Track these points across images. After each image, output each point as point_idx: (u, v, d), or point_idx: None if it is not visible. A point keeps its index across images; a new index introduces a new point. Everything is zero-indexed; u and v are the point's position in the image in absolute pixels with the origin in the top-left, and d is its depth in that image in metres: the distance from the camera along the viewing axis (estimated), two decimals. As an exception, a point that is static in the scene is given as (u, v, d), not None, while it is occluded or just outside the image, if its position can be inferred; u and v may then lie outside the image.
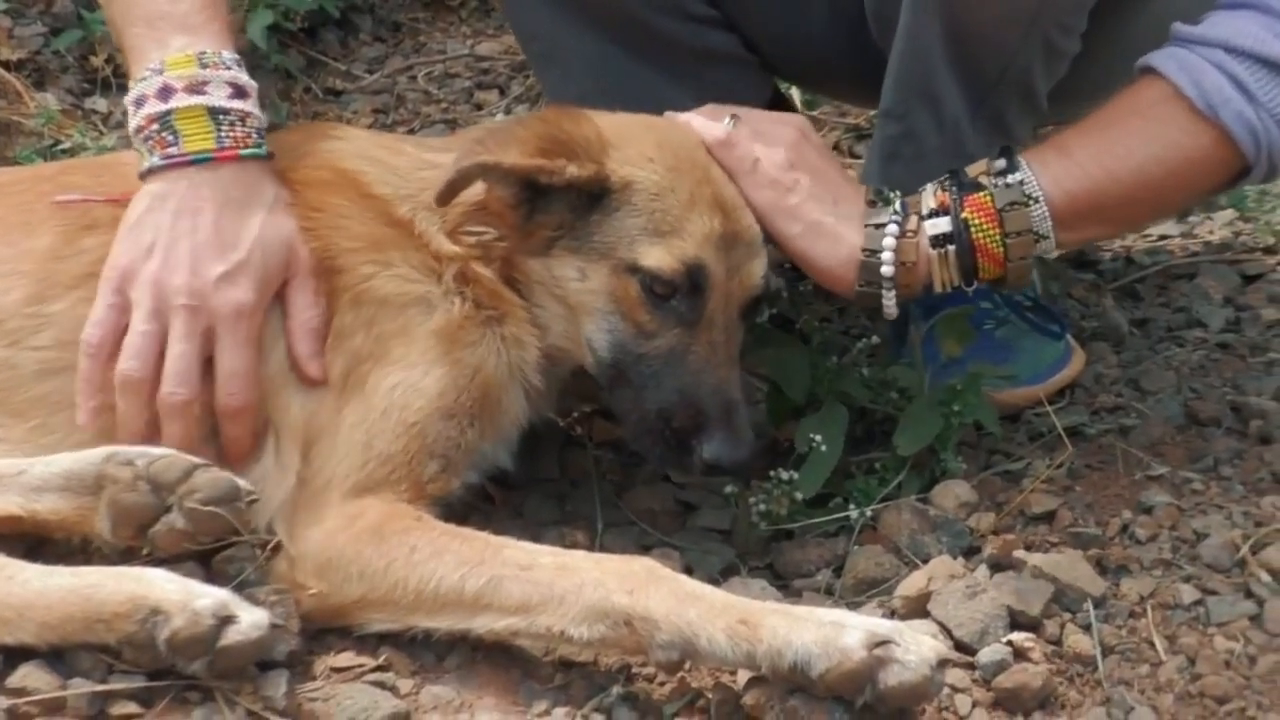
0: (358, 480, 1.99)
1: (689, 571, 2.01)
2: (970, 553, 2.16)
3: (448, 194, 2.09)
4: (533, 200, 2.11)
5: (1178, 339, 2.85)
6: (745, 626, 1.72)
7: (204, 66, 2.08)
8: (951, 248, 2.20)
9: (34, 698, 1.70)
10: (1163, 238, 3.44)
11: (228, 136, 2.08)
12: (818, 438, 2.27)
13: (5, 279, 2.10)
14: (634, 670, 1.88)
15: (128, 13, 2.14)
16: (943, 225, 2.20)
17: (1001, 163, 2.21)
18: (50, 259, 2.11)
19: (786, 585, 2.18)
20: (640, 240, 2.11)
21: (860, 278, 2.21)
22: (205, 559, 1.93)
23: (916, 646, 1.69)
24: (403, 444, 2.02)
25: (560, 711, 1.81)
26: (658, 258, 2.10)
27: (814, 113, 3.97)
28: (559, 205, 2.12)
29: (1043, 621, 1.94)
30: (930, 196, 2.23)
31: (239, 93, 2.11)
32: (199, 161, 2.06)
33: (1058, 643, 1.92)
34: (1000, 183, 2.19)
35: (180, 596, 1.73)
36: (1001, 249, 2.19)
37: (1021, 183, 2.18)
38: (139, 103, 2.09)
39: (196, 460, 1.89)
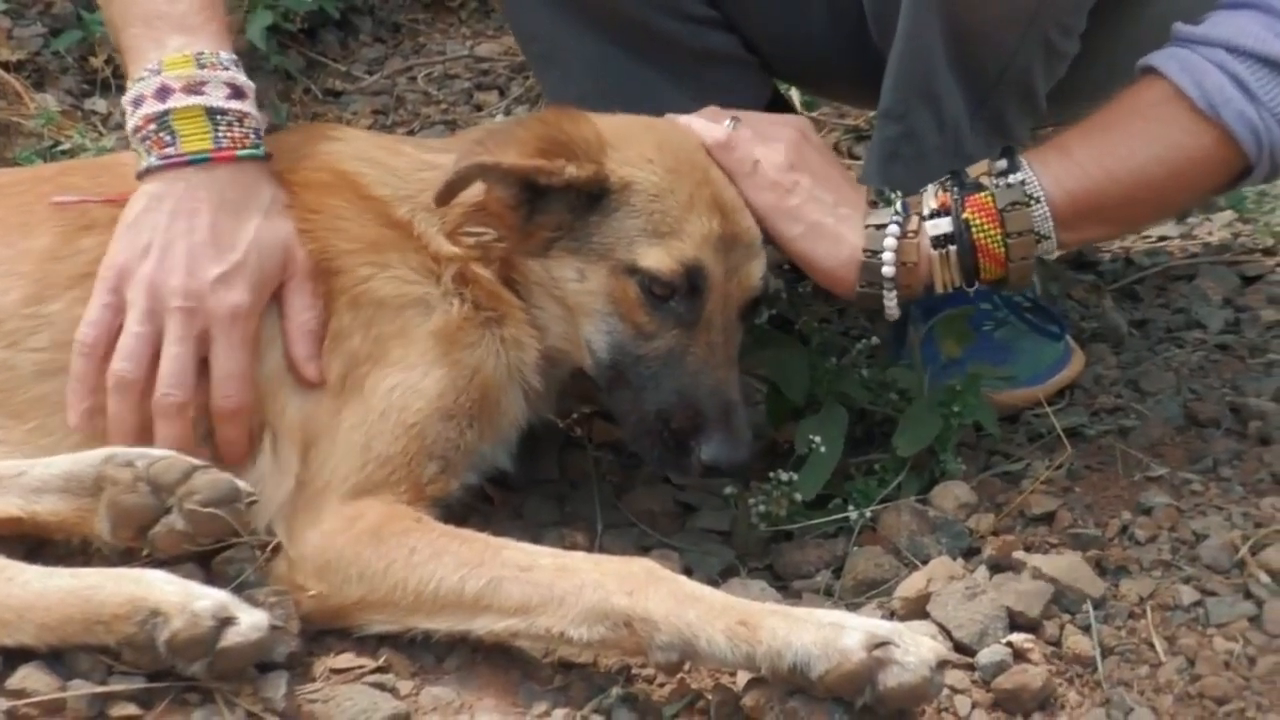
0: (357, 482, 1.99)
1: (688, 573, 2.00)
2: (970, 554, 2.16)
3: (447, 195, 2.09)
4: (532, 201, 2.11)
5: (1177, 340, 2.85)
6: (745, 628, 1.71)
7: (202, 67, 2.08)
8: (953, 248, 2.19)
9: (33, 699, 1.70)
10: (1162, 239, 3.43)
11: (225, 137, 2.07)
12: (817, 439, 2.27)
13: (3, 280, 2.10)
14: (634, 671, 1.88)
15: (126, 13, 2.14)
16: (944, 226, 2.20)
17: (1003, 163, 2.21)
18: (48, 260, 2.11)
19: (786, 586, 2.18)
20: (639, 241, 2.11)
21: (861, 279, 2.21)
22: (205, 560, 1.93)
23: (916, 648, 1.69)
24: (402, 445, 2.01)
25: (560, 713, 1.81)
26: (656, 259, 2.10)
27: (814, 114, 3.97)
28: (558, 206, 2.12)
29: (1042, 622, 1.94)
30: (931, 197, 2.23)
31: (237, 93, 2.10)
32: (196, 162, 2.05)
33: (1057, 644, 1.92)
34: (1001, 183, 2.18)
35: (180, 598, 1.73)
36: (1003, 249, 2.19)
37: (1023, 183, 2.18)
38: (136, 103, 2.08)
39: (196, 462, 1.89)
